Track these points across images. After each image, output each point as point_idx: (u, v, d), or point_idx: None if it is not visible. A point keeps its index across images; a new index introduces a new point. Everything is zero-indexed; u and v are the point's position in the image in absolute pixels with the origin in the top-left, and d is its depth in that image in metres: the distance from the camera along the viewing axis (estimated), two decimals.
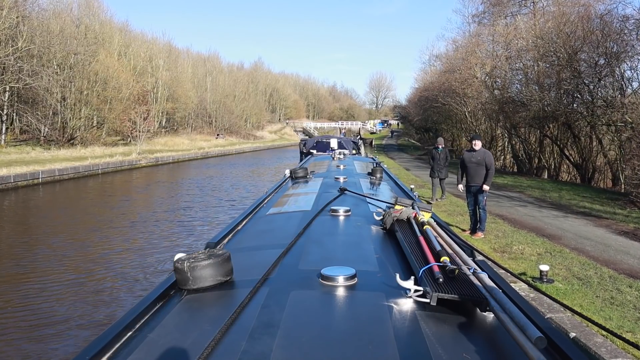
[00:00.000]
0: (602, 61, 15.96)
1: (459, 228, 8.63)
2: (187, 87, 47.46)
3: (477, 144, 7.85)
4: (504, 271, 4.61)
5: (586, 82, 16.69)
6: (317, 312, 1.51)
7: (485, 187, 7.66)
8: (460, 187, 8.20)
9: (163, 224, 11.76)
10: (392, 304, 1.52)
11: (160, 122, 42.56)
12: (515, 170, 24.12)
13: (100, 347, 1.30)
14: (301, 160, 13.10)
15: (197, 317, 1.52)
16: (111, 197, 16.89)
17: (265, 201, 3.94)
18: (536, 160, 22.49)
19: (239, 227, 2.96)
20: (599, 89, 16.68)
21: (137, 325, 1.46)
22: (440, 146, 11.53)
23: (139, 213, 13.35)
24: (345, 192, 3.86)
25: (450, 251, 1.92)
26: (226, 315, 1.40)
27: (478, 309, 1.51)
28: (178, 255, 1.76)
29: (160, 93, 42.38)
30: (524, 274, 5.92)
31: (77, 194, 17.69)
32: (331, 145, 14.24)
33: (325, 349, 1.24)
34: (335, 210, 2.98)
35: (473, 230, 8.07)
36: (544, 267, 5.50)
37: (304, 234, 2.44)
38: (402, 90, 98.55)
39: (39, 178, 18.27)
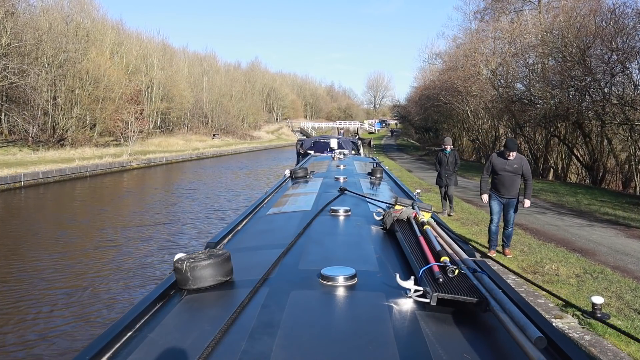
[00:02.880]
0: (615, 57, 15.71)
1: (483, 246, 7.38)
2: (182, 87, 47.40)
3: (512, 154, 6.59)
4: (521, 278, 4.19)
5: (598, 78, 16.41)
6: (317, 312, 1.54)
7: (528, 203, 6.75)
8: (485, 197, 6.92)
9: (132, 247, 10.08)
10: (392, 304, 1.55)
11: (155, 122, 42.48)
12: None
13: (100, 347, 1.33)
14: (298, 162, 13.09)
15: (197, 317, 1.55)
16: (87, 205, 15.58)
17: (265, 201, 3.99)
18: (542, 161, 22.45)
19: (239, 227, 3.00)
20: (612, 86, 16.47)
21: (137, 325, 1.49)
22: (448, 148, 10.15)
23: (108, 229, 11.73)
24: (345, 192, 3.92)
25: (450, 251, 1.96)
26: (226, 315, 1.43)
27: (478, 309, 1.53)
28: (178, 255, 1.80)
29: (155, 92, 42.33)
30: (570, 305, 5.02)
31: (54, 199, 16.78)
32: (331, 145, 14.26)
33: (325, 349, 1.26)
34: (335, 210, 3.03)
35: (491, 247, 7.05)
36: (598, 300, 4.57)
37: (304, 234, 2.49)
38: (400, 90, 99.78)
39: (21, 181, 17.74)
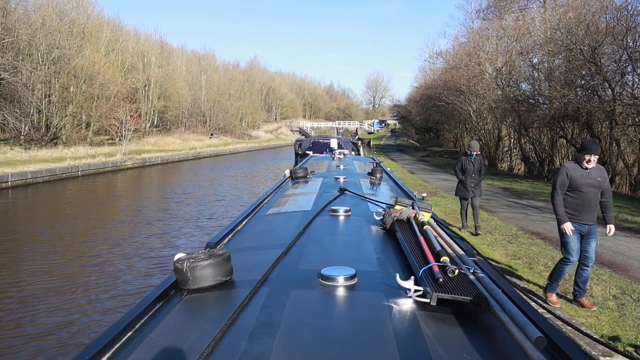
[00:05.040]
0: (626, 56, 15.58)
1: (506, 264, 6.40)
2: (180, 85, 47.50)
3: (593, 159, 4.84)
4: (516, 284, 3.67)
5: (608, 77, 16.26)
6: (317, 312, 1.56)
7: (613, 228, 5.09)
8: (568, 227, 4.94)
9: (111, 266, 8.87)
10: (392, 304, 1.58)
11: (152, 121, 42.50)
12: (524, 173, 24.06)
13: (100, 347, 1.35)
14: (296, 163, 13.09)
15: (197, 317, 1.57)
16: (67, 212, 14.46)
17: (265, 201, 4.04)
18: (547, 163, 22.38)
19: (239, 227, 3.04)
20: (624, 85, 16.34)
21: (137, 325, 1.51)
22: (474, 153, 8.78)
23: (87, 243, 10.46)
24: (345, 192, 3.98)
25: (450, 251, 1.99)
26: (226, 315, 1.45)
27: (478, 309, 1.56)
28: (178, 255, 1.82)
29: (152, 91, 42.38)
30: (617, 338, 4.36)
31: (38, 202, 16.27)
32: (331, 145, 14.33)
33: (325, 349, 1.28)
34: (335, 210, 3.08)
35: (551, 290, 5.33)
36: None
37: (304, 234, 2.52)
38: (400, 90, 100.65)
39: (8, 181, 17.49)
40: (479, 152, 9.06)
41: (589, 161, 4.84)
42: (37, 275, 8.30)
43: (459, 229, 8.93)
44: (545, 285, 5.46)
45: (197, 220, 13.34)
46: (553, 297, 5.25)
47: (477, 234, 8.65)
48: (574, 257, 5.02)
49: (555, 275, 5.26)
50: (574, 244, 5.00)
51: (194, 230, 11.96)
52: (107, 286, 7.88)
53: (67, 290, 7.61)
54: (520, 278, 6.21)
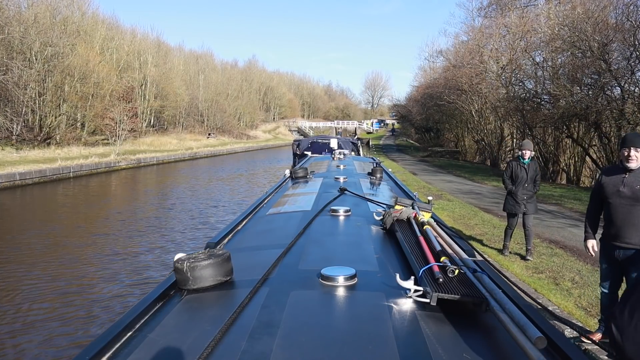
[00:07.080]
0: (636, 54, 15.55)
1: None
2: (177, 85, 47.54)
3: (635, 156, 3.83)
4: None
5: (619, 75, 16.20)
6: (317, 312, 1.58)
7: None
8: (593, 245, 4.26)
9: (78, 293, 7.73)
10: (392, 304, 1.60)
11: (148, 121, 42.49)
12: None
13: (100, 347, 1.37)
14: (295, 163, 13.11)
15: (197, 317, 1.60)
16: (44, 220, 13.53)
17: (265, 201, 4.07)
18: (551, 163, 22.29)
19: (239, 227, 3.07)
20: (636, 83, 16.33)
21: (137, 325, 1.53)
22: (527, 154, 7.14)
23: (51, 262, 9.28)
24: (345, 192, 4.01)
25: (450, 251, 2.02)
26: (226, 315, 1.48)
27: (478, 309, 1.59)
28: (178, 255, 1.85)
29: (149, 90, 42.38)
30: None
31: (20, 206, 15.89)
32: (331, 145, 14.37)
33: (325, 349, 1.30)
34: (335, 210, 3.12)
35: (599, 329, 4.35)
36: None
37: (304, 234, 2.56)
38: (399, 90, 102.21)
39: None
40: (534, 155, 7.44)
41: (629, 157, 3.84)
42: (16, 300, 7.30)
43: (500, 252, 7.62)
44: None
45: (188, 230, 12.55)
46: (596, 335, 4.27)
47: (526, 259, 7.15)
48: (607, 287, 4.13)
49: (601, 307, 4.39)
50: (607, 270, 4.11)
51: (188, 241, 11.31)
52: (86, 314, 6.89)
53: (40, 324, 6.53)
54: (547, 299, 5.43)
